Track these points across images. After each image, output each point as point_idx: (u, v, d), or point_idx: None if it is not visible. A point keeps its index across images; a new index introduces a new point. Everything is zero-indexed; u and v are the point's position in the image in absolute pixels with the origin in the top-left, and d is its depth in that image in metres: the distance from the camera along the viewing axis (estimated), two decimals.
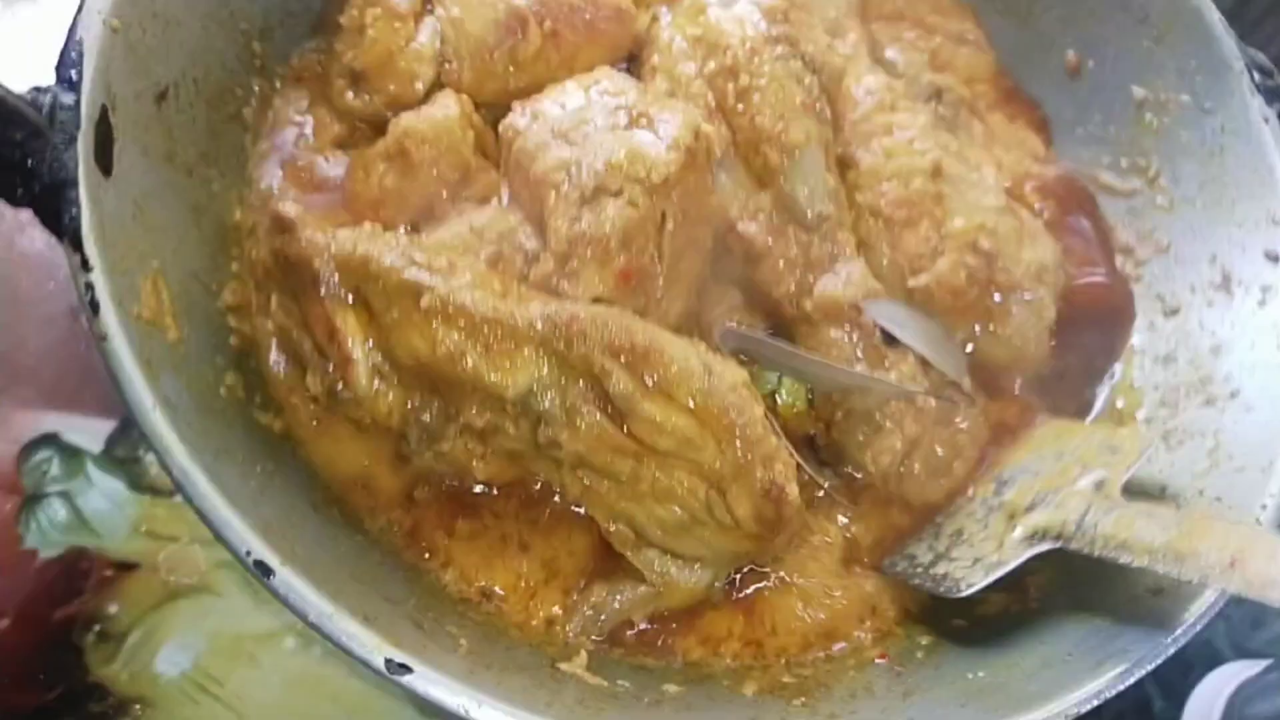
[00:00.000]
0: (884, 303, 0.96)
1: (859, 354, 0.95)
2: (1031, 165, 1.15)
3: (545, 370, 0.79)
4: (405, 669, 0.64)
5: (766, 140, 0.95)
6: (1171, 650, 0.78)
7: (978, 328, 1.01)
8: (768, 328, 0.98)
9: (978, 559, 0.86)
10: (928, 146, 1.01)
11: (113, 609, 1.02)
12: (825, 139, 0.96)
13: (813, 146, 0.95)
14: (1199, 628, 0.79)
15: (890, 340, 0.95)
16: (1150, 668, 0.77)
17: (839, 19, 1.11)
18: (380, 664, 0.64)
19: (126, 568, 1.03)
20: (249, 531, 0.65)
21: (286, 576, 0.64)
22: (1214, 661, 1.21)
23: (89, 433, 1.09)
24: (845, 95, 1.04)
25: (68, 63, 0.73)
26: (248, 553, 0.65)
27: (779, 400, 0.96)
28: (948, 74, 1.19)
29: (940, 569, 0.88)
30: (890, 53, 1.19)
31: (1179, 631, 0.79)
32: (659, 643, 0.86)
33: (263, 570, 0.64)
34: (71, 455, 1.08)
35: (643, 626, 0.87)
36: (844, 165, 1.01)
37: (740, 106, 0.95)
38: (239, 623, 1.02)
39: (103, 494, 1.07)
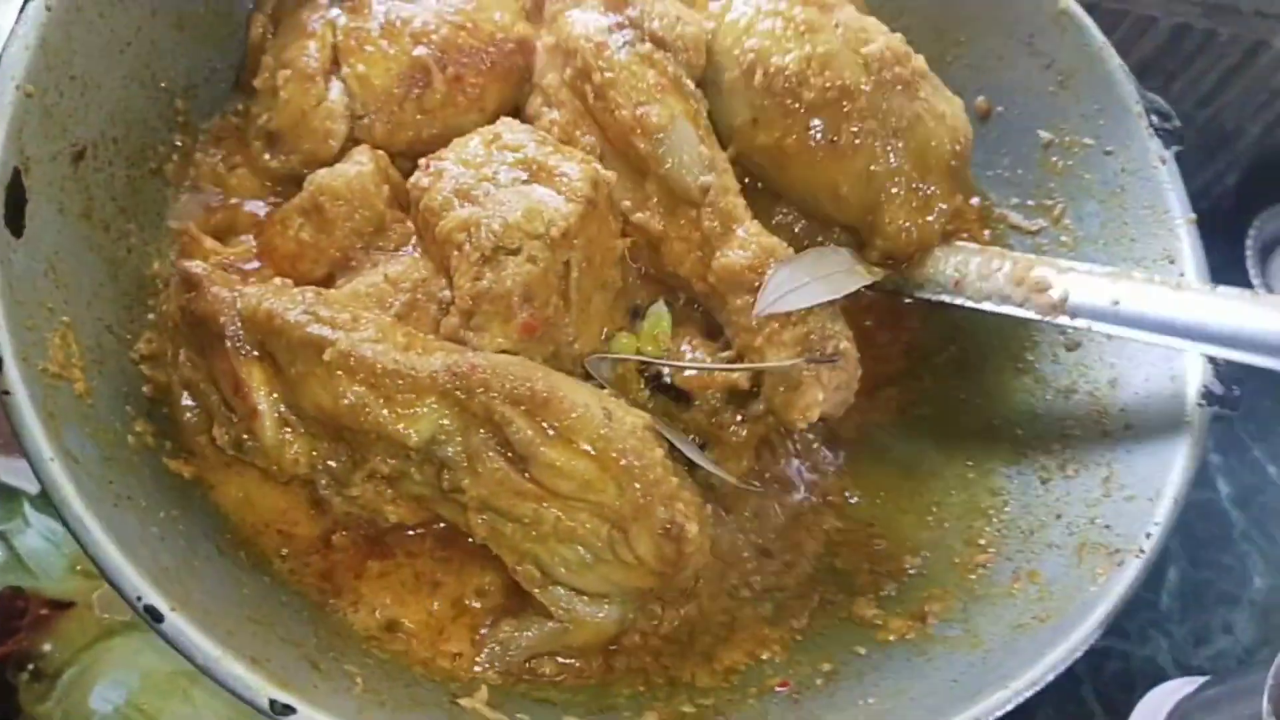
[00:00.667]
0: (782, 271, 0.95)
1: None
2: None
3: (447, 419, 0.82)
4: (289, 710, 0.66)
5: (631, 131, 0.96)
6: (1049, 678, 0.81)
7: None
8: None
9: None
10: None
11: (47, 647, 1.03)
12: (692, 111, 0.97)
13: (679, 122, 0.96)
14: (1077, 655, 0.82)
15: None
16: (1027, 695, 0.80)
17: None
18: (265, 704, 0.67)
19: (61, 606, 1.05)
20: (140, 578, 0.68)
21: (175, 622, 0.67)
22: (1157, 678, 1.24)
23: (26, 474, 1.07)
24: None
25: None
26: (139, 598, 0.67)
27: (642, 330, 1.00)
28: None
29: None
30: None
31: (1058, 659, 0.82)
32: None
33: (152, 615, 0.67)
34: (9, 496, 1.10)
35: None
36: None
37: (601, 105, 0.97)
38: (172, 659, 1.02)
39: (39, 534, 1.09)
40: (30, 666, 1.03)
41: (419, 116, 1.02)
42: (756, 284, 0.95)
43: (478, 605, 0.90)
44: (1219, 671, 1.23)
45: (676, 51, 0.98)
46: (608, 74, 0.96)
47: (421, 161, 0.95)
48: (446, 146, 0.97)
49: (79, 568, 1.08)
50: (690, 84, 0.99)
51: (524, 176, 0.90)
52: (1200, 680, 1.18)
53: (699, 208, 0.97)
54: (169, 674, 1.04)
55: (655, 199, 0.98)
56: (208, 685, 1.01)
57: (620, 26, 0.98)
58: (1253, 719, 0.99)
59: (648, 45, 0.97)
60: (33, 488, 1.11)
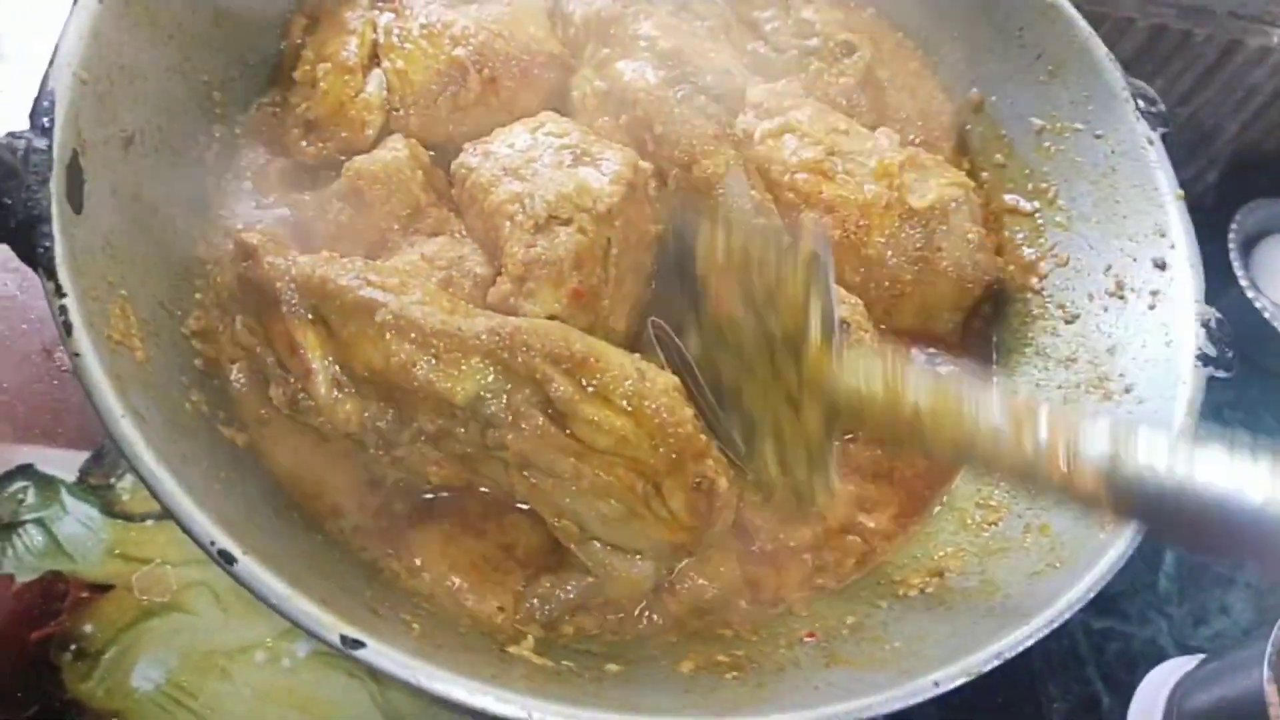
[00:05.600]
0: None
1: None
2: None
3: (491, 378, 0.86)
4: (359, 644, 0.69)
5: (692, 179, 1.03)
6: (1067, 615, 0.85)
7: (919, 270, 1.11)
8: None
9: None
10: (819, 134, 1.11)
11: (88, 628, 1.07)
12: (741, 158, 1.04)
13: (733, 171, 1.03)
14: (1091, 595, 0.86)
15: None
16: (1046, 631, 0.84)
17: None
18: (336, 640, 0.69)
19: (101, 589, 1.09)
20: (213, 525, 0.71)
21: (248, 564, 0.70)
22: (1158, 658, 1.28)
23: (63, 463, 1.14)
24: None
25: (40, 110, 0.80)
26: (212, 543, 0.71)
27: None
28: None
29: None
30: (807, 13, 1.28)
31: (1074, 598, 0.86)
32: None
33: (226, 559, 0.70)
34: (46, 484, 1.13)
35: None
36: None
37: (660, 152, 1.03)
38: (210, 639, 1.08)
39: (77, 520, 1.12)
40: (72, 647, 1.06)
41: (452, 113, 1.07)
42: None
43: (517, 562, 0.93)
44: (1217, 650, 1.26)
45: (725, 103, 1.05)
46: (671, 126, 1.03)
47: (467, 145, 1.00)
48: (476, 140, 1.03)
49: (117, 551, 1.11)
50: (738, 132, 1.06)
51: (569, 160, 0.96)
52: (1199, 658, 1.22)
53: None
54: (206, 652, 1.07)
55: None
56: (245, 662, 1.07)
57: (676, 81, 1.04)
58: (1251, 690, 1.04)
59: (703, 98, 1.04)
60: (70, 476, 1.15)
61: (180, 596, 1.09)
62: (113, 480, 1.14)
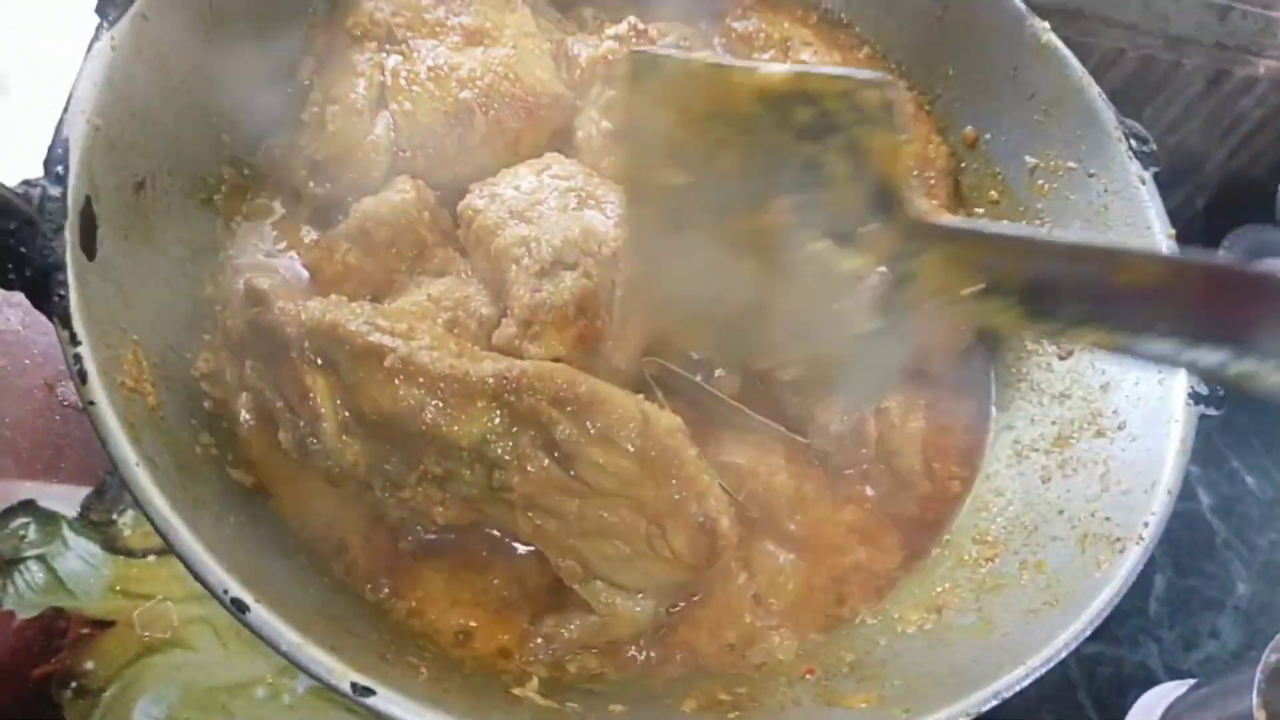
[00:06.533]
0: None
1: None
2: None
3: (497, 421, 0.87)
4: (369, 691, 0.70)
5: None
6: (1063, 655, 0.87)
7: None
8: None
9: None
10: None
11: (89, 665, 1.07)
12: None
13: None
14: (1087, 634, 0.88)
15: None
16: (1044, 670, 0.85)
17: None
18: (347, 688, 0.70)
19: (102, 626, 1.09)
20: (225, 573, 0.72)
21: (260, 612, 0.71)
22: (1149, 683, 1.30)
23: (64, 499, 1.15)
24: None
25: (55, 158, 0.81)
26: (225, 591, 0.71)
27: None
28: None
29: None
30: (805, 55, 1.30)
31: (1070, 638, 0.88)
32: None
33: (239, 607, 0.71)
34: (48, 520, 1.14)
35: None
36: None
37: None
38: (211, 675, 1.08)
39: (78, 556, 1.12)
40: (73, 684, 1.06)
41: (458, 154, 1.08)
42: None
43: (522, 603, 0.94)
44: (1208, 674, 1.28)
45: None
46: None
47: (473, 186, 1.01)
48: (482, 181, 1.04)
49: (118, 588, 1.12)
50: None
51: (574, 203, 0.97)
52: (1190, 683, 1.24)
53: None
54: (208, 689, 1.08)
55: None
56: (246, 698, 1.08)
57: None
58: (1241, 716, 1.05)
59: None
60: (71, 511, 1.15)
61: (181, 633, 1.10)
62: (114, 516, 1.14)
